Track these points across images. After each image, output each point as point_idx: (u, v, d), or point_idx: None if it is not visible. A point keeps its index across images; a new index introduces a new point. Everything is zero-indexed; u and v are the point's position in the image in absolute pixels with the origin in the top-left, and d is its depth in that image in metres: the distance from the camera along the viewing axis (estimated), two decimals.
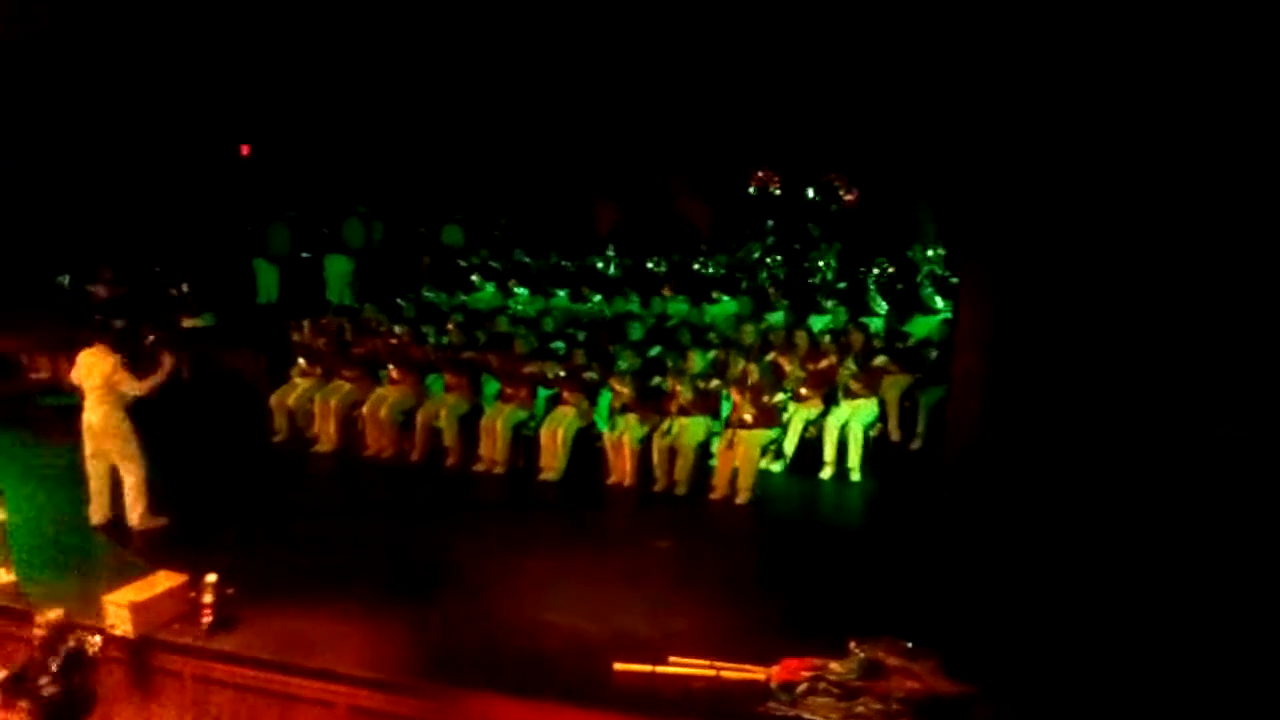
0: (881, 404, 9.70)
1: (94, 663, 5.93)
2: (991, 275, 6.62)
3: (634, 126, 14.78)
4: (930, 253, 12.69)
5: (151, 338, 8.32)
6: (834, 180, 14.97)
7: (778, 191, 15.50)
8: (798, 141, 14.23)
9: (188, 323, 13.32)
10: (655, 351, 10.54)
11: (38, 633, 5.79)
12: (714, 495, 8.86)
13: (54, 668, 5.66)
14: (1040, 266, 6.14)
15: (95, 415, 8.16)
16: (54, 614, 5.86)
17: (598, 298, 13.29)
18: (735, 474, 8.77)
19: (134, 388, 8.18)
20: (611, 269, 14.59)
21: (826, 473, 9.28)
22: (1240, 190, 5.48)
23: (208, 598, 6.49)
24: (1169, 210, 5.65)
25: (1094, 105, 5.78)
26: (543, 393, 9.98)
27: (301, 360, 11.09)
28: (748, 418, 8.91)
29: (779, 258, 13.99)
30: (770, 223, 15.37)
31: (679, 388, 9.18)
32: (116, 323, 8.59)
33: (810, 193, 15.26)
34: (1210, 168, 5.53)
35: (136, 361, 8.29)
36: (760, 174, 15.50)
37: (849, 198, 14.88)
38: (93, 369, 8.19)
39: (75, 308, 13.60)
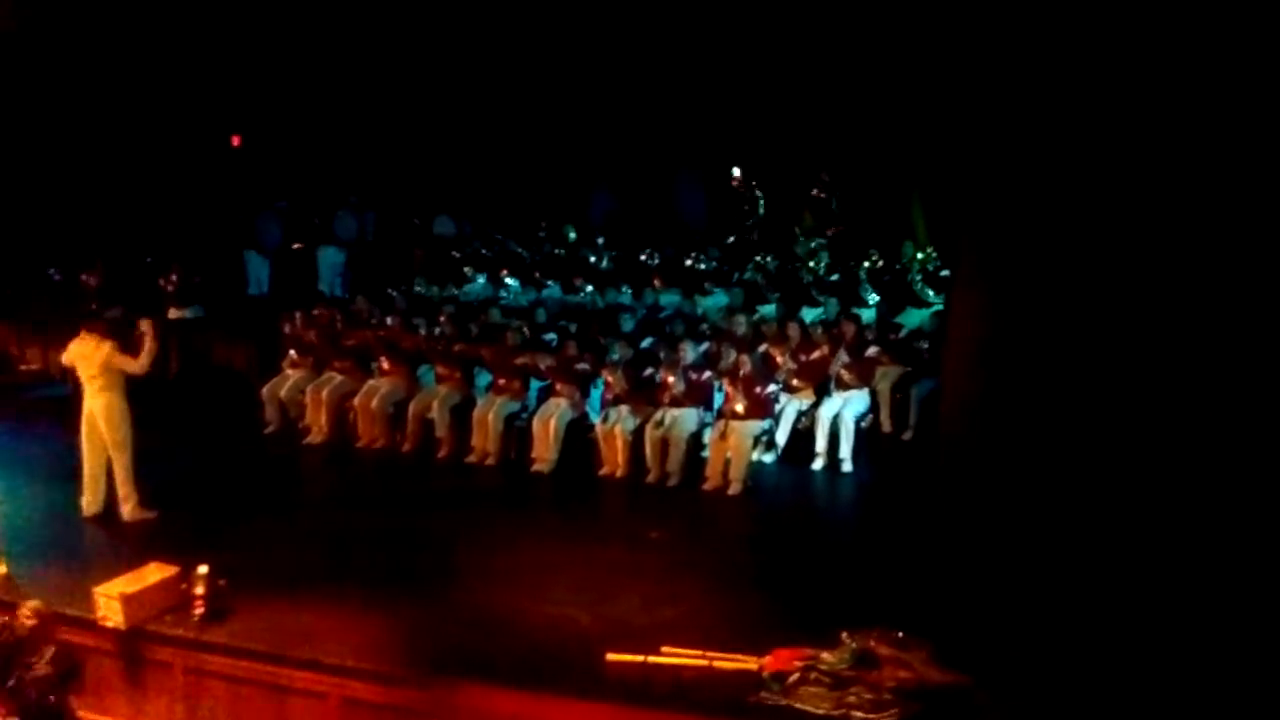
0: (873, 395, 9.72)
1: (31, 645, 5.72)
2: (984, 267, 6.61)
3: (627, 117, 14.77)
4: (919, 225, 12.73)
5: (141, 321, 8.25)
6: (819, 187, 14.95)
7: (759, 194, 15.47)
8: (790, 133, 14.22)
9: (174, 314, 13.27)
10: (647, 343, 10.55)
11: (28, 622, 5.70)
12: (706, 486, 8.86)
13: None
14: (1034, 258, 6.14)
15: (97, 404, 8.14)
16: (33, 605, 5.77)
17: (589, 288, 13.28)
18: (727, 465, 8.78)
19: (134, 366, 8.17)
20: (604, 262, 14.58)
21: (818, 463, 9.29)
22: (1238, 182, 5.48)
23: (200, 589, 6.48)
24: (1164, 201, 5.66)
25: (1089, 97, 5.78)
26: (535, 384, 9.98)
27: (293, 351, 11.08)
28: (740, 409, 8.92)
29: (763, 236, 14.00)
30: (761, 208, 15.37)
31: (671, 379, 9.19)
32: (110, 313, 8.53)
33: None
34: (1208, 159, 5.53)
35: (129, 346, 8.27)
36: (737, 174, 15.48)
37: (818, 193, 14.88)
38: (88, 357, 8.18)
39: (67, 298, 13.57)
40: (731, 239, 14.48)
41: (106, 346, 8.15)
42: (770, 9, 12.67)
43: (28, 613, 5.67)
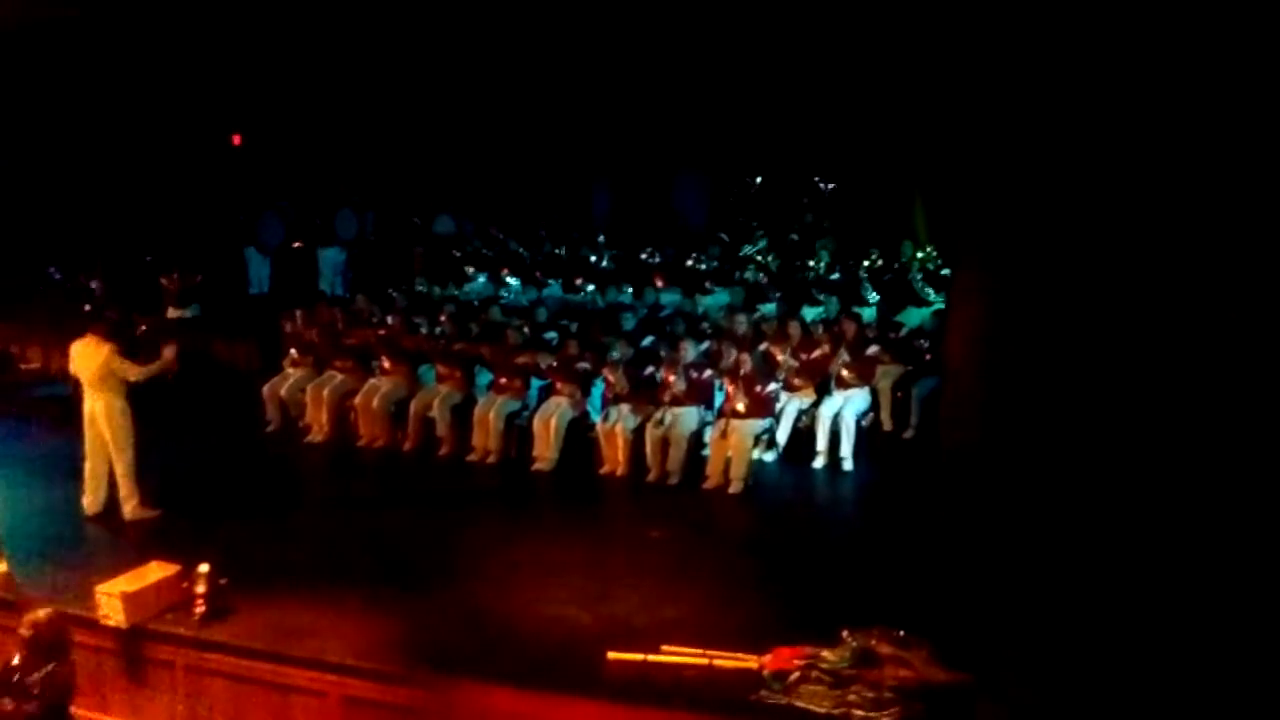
0: (874, 394, 9.72)
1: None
2: (986, 265, 6.61)
3: (627, 117, 14.76)
4: (919, 224, 12.76)
5: (144, 326, 8.28)
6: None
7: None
8: (793, 132, 14.23)
9: (173, 313, 13.29)
10: (648, 341, 10.55)
11: (24, 632, 5.68)
12: (707, 485, 8.86)
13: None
14: (1036, 256, 6.14)
15: (97, 404, 8.15)
16: (43, 612, 5.76)
17: (590, 288, 13.29)
18: (728, 464, 8.78)
19: (132, 372, 8.17)
20: (605, 261, 14.60)
21: (819, 462, 9.29)
22: (1240, 182, 5.48)
23: (201, 588, 6.47)
24: (1168, 196, 5.65)
25: (1091, 93, 5.77)
26: (536, 383, 9.98)
27: (294, 350, 11.09)
28: (740, 407, 8.92)
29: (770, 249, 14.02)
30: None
31: (672, 378, 9.19)
32: (109, 313, 8.55)
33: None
34: (1210, 156, 5.52)
35: (130, 348, 8.27)
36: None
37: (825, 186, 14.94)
38: (89, 359, 8.18)
39: (68, 297, 13.58)
40: (754, 251, 14.50)
41: (107, 349, 8.14)
42: (771, 9, 12.67)
43: (26, 625, 5.63)
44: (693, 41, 13.06)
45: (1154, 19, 5.54)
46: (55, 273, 14.18)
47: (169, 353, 8.32)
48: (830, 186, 15.38)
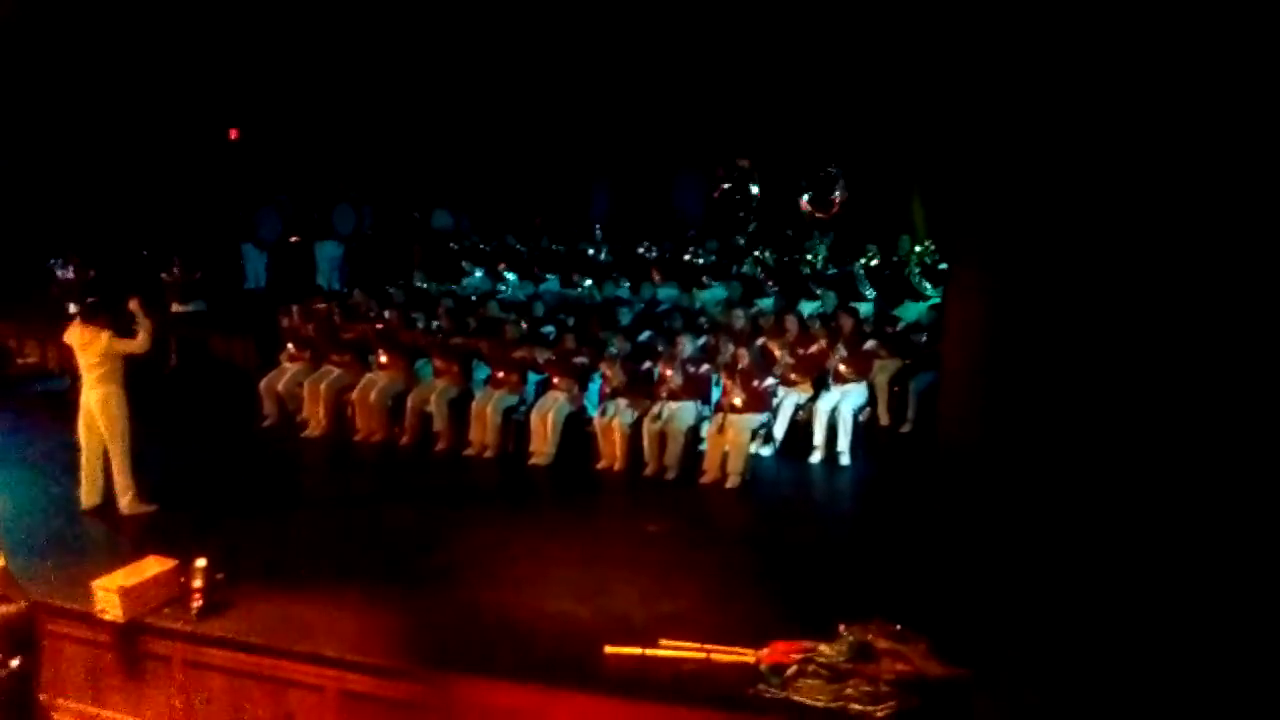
0: (871, 388, 9.73)
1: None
2: (983, 260, 6.61)
3: (627, 114, 14.76)
4: (917, 219, 12.76)
5: (129, 302, 8.24)
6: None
7: (754, 188, 15.53)
8: (791, 128, 14.22)
9: (176, 308, 13.29)
10: (645, 336, 10.54)
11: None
12: (704, 479, 8.86)
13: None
14: (1033, 252, 6.14)
15: (95, 395, 8.13)
16: (13, 606, 5.72)
17: (588, 282, 13.28)
18: (725, 458, 8.78)
19: (135, 346, 8.16)
20: (603, 255, 14.59)
21: (816, 457, 9.30)
22: (1240, 178, 5.47)
23: (198, 582, 6.47)
24: (1165, 191, 5.65)
25: (1090, 93, 5.77)
26: (533, 377, 9.98)
27: (291, 345, 11.07)
28: (738, 402, 8.92)
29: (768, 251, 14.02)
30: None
31: (669, 372, 9.18)
32: (96, 299, 8.52)
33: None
34: (1209, 154, 5.52)
35: (126, 333, 8.26)
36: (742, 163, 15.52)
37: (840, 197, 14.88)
38: (88, 346, 8.15)
39: (51, 291, 13.60)
40: (741, 240, 14.50)
41: (105, 335, 8.13)
42: (769, 6, 12.66)
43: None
44: (692, 41, 13.07)
45: (1152, 17, 5.53)
46: (57, 266, 14.15)
47: (134, 305, 8.24)
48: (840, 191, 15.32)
